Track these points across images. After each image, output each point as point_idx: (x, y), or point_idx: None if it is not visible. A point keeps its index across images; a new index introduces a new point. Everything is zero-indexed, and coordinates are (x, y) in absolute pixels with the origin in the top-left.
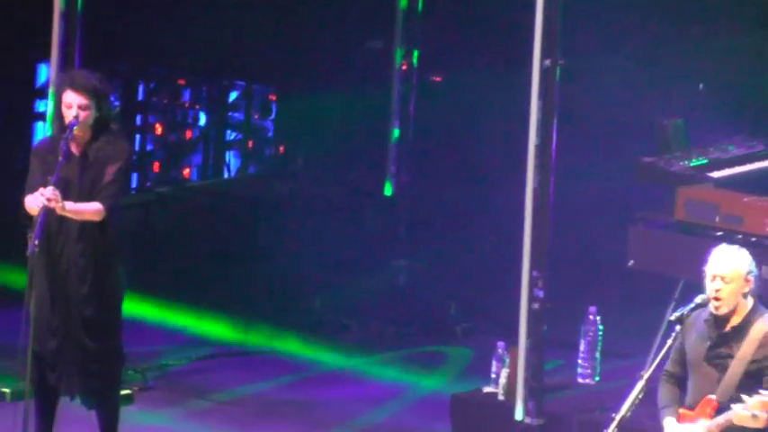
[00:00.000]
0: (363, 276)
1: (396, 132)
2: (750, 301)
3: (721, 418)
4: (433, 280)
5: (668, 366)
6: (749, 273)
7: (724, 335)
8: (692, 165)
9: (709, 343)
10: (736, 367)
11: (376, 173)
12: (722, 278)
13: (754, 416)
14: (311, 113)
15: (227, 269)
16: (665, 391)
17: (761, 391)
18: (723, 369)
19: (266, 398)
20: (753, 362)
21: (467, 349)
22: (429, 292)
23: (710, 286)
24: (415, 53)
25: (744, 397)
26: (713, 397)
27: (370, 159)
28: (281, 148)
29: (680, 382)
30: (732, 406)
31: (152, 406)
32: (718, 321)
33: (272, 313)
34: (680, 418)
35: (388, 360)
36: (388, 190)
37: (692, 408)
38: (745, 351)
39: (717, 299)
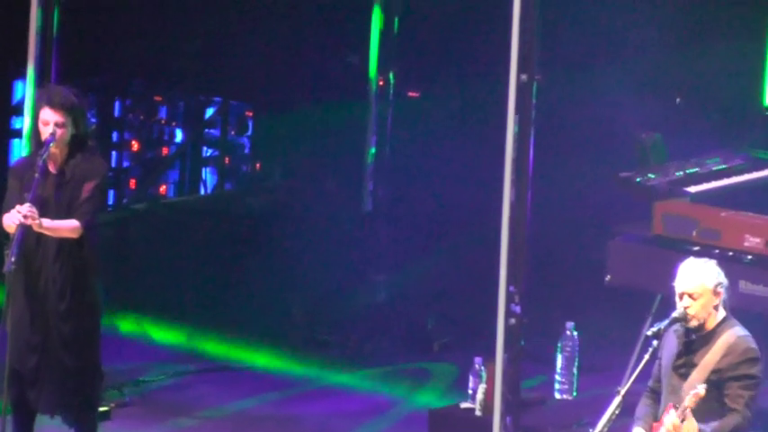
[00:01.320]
0: (342, 291)
1: (372, 150)
2: (721, 313)
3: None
4: (412, 295)
5: (650, 382)
6: (717, 285)
7: (690, 343)
8: (668, 179)
9: (676, 351)
10: (698, 375)
11: (353, 188)
12: (690, 295)
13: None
14: (287, 129)
15: (204, 285)
16: (642, 406)
17: (697, 386)
18: (685, 377)
19: (247, 414)
20: (714, 371)
21: (451, 365)
22: (407, 307)
23: (680, 304)
24: (391, 74)
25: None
26: (672, 404)
27: (347, 174)
28: (258, 165)
29: (659, 397)
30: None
31: (129, 423)
32: (688, 332)
33: (253, 328)
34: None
35: (370, 376)
36: (366, 205)
37: (659, 419)
38: (708, 360)
39: (688, 315)
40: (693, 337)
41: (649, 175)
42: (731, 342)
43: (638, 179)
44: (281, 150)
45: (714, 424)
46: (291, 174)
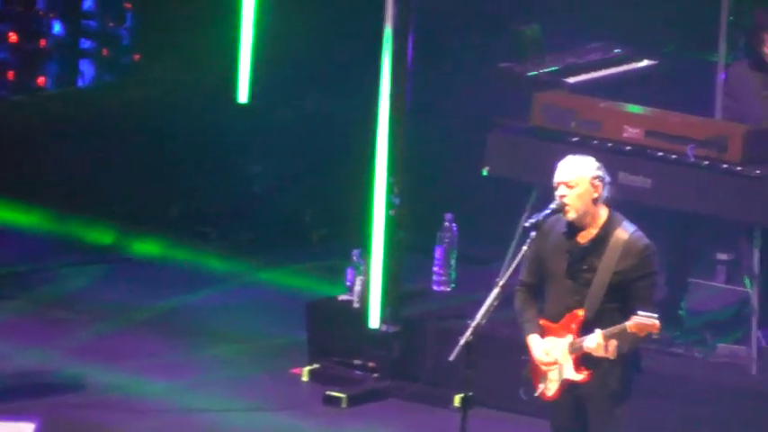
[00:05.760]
0: (219, 183)
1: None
2: (605, 211)
3: (576, 345)
4: (289, 187)
5: (524, 276)
6: (595, 177)
7: (584, 247)
8: (547, 70)
9: (568, 256)
10: (600, 280)
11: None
12: (566, 184)
13: (605, 347)
14: (165, 20)
15: (85, 176)
16: (522, 305)
17: (638, 312)
18: (586, 283)
19: (125, 306)
20: (616, 273)
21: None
22: (285, 199)
23: (557, 194)
24: None
25: (597, 331)
26: (581, 313)
27: (224, 65)
28: (137, 57)
29: (536, 291)
30: (586, 338)
31: (3, 315)
32: (576, 233)
33: (131, 219)
34: (544, 332)
35: (249, 267)
36: (243, 97)
37: (554, 320)
38: (606, 263)
39: (565, 204)
40: (584, 239)
41: (528, 66)
42: (625, 240)
43: (516, 70)
44: (160, 42)
45: (627, 335)
46: (170, 65)
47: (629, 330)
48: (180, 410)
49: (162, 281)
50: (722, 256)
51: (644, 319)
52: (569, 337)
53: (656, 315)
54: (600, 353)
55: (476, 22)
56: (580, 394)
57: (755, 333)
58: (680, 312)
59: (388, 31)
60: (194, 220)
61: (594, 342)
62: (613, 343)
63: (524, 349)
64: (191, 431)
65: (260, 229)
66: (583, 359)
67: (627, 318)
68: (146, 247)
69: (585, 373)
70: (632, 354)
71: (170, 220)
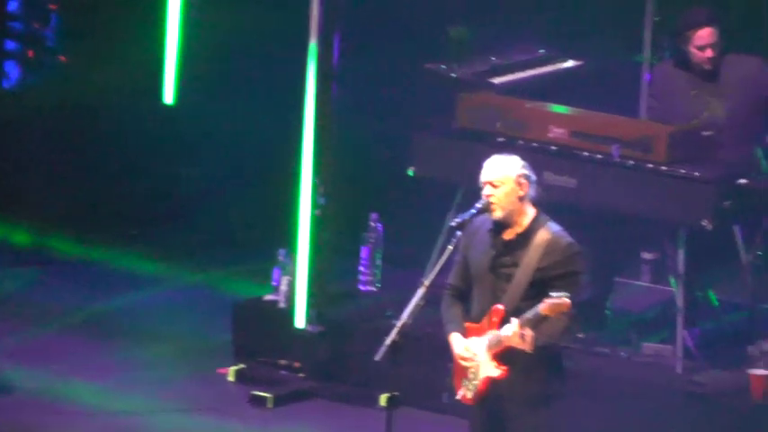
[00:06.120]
0: (146, 184)
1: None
2: (532, 210)
3: (494, 339)
4: (217, 189)
5: (452, 280)
6: (520, 176)
7: (507, 243)
8: (473, 71)
9: (493, 252)
10: (522, 276)
11: (158, 80)
12: (491, 183)
13: (521, 335)
14: (91, 21)
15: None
16: (448, 306)
17: (551, 293)
18: (507, 278)
19: (53, 309)
20: (537, 270)
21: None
22: (211, 201)
23: (483, 194)
24: None
25: (513, 319)
26: (500, 307)
27: (150, 67)
28: (62, 58)
29: (464, 296)
30: (502, 329)
31: None
32: (501, 230)
33: (56, 221)
34: (467, 333)
35: (176, 268)
36: (169, 98)
37: (477, 320)
38: (529, 259)
39: (491, 203)
40: (508, 236)
41: (454, 66)
42: (548, 239)
43: (442, 71)
44: (85, 43)
45: (546, 327)
46: (95, 67)
47: (541, 313)
48: (108, 413)
49: (89, 283)
50: (647, 256)
51: (554, 300)
52: (490, 333)
53: (566, 294)
54: (516, 341)
55: (402, 22)
56: (499, 397)
57: (681, 332)
58: (605, 312)
59: (313, 33)
60: (121, 221)
61: (510, 330)
62: (529, 332)
63: (449, 349)
64: None
65: (187, 231)
66: (501, 356)
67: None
68: (73, 250)
69: (503, 368)
70: (553, 355)
71: (97, 222)
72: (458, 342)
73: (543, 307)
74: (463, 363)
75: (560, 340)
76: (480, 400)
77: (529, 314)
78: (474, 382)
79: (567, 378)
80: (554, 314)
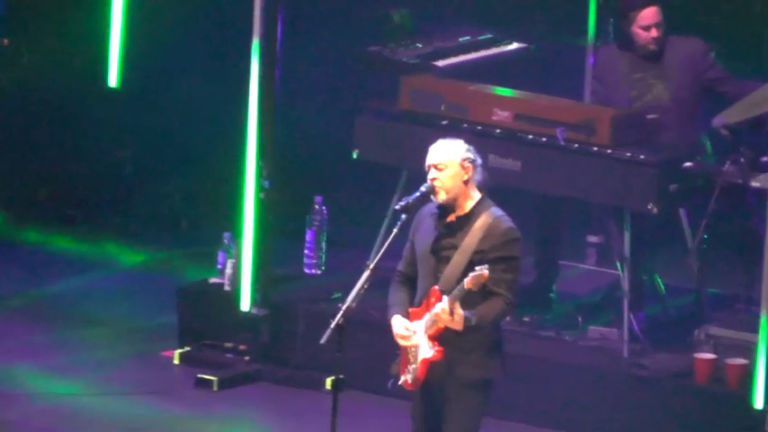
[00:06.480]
0: (88, 167)
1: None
2: (477, 194)
3: (430, 320)
4: (158, 171)
5: (401, 267)
6: (465, 159)
7: (449, 225)
8: (416, 54)
9: (435, 235)
10: (460, 257)
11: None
12: (435, 167)
13: (451, 313)
14: (34, 4)
15: None
16: (395, 291)
17: (476, 268)
18: (447, 261)
19: None
20: (476, 252)
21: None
22: (154, 183)
23: (428, 177)
24: None
25: (444, 297)
26: (437, 287)
27: (94, 49)
28: (6, 41)
29: (413, 281)
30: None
31: None
32: (444, 212)
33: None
34: (410, 317)
35: (116, 251)
36: (113, 81)
37: (419, 304)
38: (468, 242)
39: (435, 187)
40: (450, 219)
41: (397, 49)
42: (489, 222)
43: (385, 54)
44: (29, 26)
45: (479, 308)
46: (39, 49)
47: (466, 287)
48: (50, 395)
49: (30, 266)
50: (593, 239)
51: (475, 272)
52: (427, 315)
53: (486, 267)
54: (446, 319)
55: (345, 5)
56: (438, 381)
57: (627, 316)
58: (550, 295)
59: (256, 16)
60: (62, 203)
61: (440, 307)
62: (460, 311)
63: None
64: (61, 416)
65: (129, 214)
66: (437, 337)
67: (486, 299)
68: (13, 233)
69: (438, 349)
70: (493, 339)
71: (38, 204)
72: (397, 323)
73: (467, 280)
74: (402, 342)
75: (493, 323)
76: (419, 384)
77: (456, 289)
78: (413, 366)
79: (506, 362)
80: (476, 287)
